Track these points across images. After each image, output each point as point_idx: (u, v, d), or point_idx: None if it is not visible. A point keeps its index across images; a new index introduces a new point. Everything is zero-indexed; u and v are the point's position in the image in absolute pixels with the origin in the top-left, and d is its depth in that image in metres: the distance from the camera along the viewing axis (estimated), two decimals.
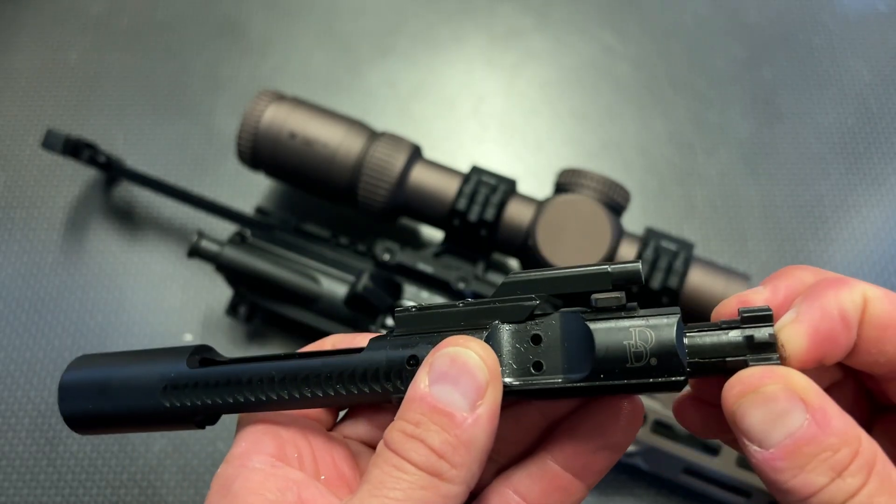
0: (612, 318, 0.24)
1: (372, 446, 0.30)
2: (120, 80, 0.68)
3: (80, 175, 0.63)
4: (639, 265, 0.25)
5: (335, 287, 0.52)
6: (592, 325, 0.24)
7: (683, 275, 0.50)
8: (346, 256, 0.55)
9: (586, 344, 0.24)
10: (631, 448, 0.49)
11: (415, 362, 0.25)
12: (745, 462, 0.48)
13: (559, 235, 0.50)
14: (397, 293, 0.53)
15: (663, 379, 0.23)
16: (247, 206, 0.62)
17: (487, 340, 0.25)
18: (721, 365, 0.24)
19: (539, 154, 0.66)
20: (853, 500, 0.20)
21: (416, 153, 0.54)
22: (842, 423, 0.21)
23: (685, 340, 0.24)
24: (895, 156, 0.66)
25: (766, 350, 0.23)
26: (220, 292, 0.59)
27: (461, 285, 0.52)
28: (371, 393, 0.26)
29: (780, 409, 0.21)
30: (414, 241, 0.62)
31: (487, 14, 0.71)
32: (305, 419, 0.29)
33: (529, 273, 0.26)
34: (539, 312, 0.25)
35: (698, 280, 0.50)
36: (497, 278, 0.53)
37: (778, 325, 0.24)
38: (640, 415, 0.27)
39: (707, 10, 0.72)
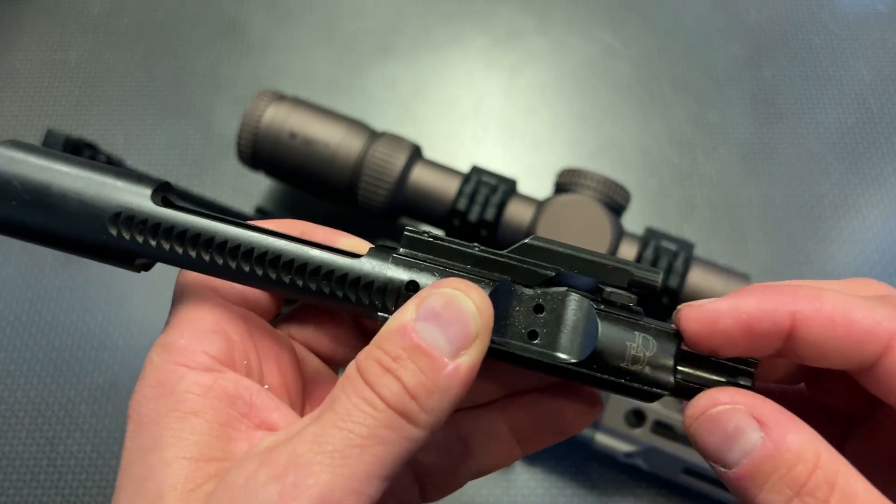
0: (622, 317, 0.24)
1: (315, 353, 0.29)
2: (120, 80, 0.68)
3: None
4: (660, 275, 0.25)
5: None
6: (602, 317, 0.24)
7: (683, 275, 0.50)
8: None
9: (589, 331, 0.24)
10: (631, 448, 0.49)
11: (413, 288, 0.24)
12: None
13: (559, 235, 0.50)
14: None
15: (647, 388, 0.24)
16: (247, 206, 0.62)
17: (492, 294, 0.24)
18: (697, 392, 0.25)
19: (539, 154, 0.66)
20: None
21: (416, 153, 0.54)
22: (797, 438, 0.21)
23: (679, 366, 0.25)
24: (895, 156, 0.66)
25: None
26: None
27: None
28: (356, 303, 0.24)
29: (732, 429, 0.22)
30: None
31: (487, 15, 0.71)
32: (251, 314, 0.27)
33: (553, 243, 0.25)
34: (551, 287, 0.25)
35: (698, 280, 0.50)
36: None
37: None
38: (598, 411, 0.28)
39: (707, 10, 0.72)
